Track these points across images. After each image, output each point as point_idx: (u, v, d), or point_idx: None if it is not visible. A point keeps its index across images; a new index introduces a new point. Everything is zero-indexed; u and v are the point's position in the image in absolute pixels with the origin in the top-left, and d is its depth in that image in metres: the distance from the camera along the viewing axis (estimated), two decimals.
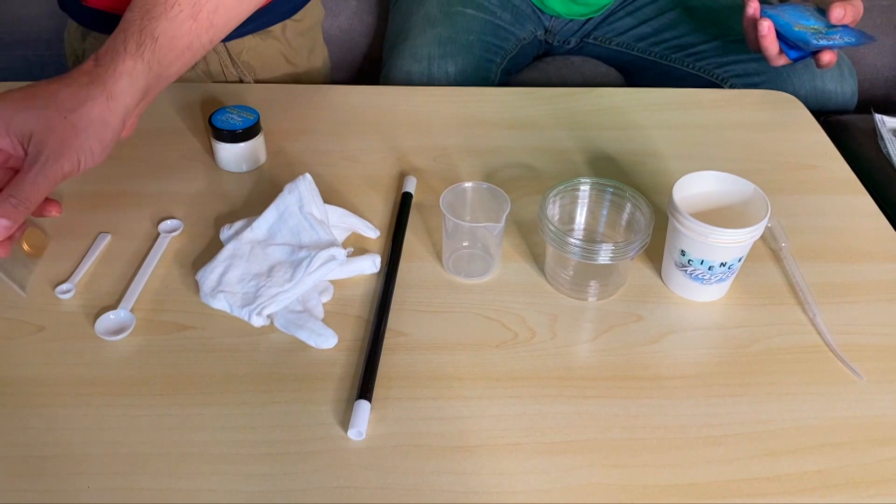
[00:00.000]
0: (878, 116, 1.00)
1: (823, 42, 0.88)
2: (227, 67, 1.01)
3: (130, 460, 0.54)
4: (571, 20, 1.21)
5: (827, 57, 0.90)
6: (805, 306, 0.68)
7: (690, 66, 1.13)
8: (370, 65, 1.37)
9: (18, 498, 0.52)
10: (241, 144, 0.79)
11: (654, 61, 1.18)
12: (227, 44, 1.00)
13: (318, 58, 1.12)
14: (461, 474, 0.54)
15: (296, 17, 1.05)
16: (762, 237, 0.72)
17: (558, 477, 0.54)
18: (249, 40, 1.02)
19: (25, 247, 0.68)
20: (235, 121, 0.79)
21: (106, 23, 0.95)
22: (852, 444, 0.57)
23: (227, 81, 1.02)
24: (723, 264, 0.64)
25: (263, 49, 1.03)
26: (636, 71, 1.23)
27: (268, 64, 1.04)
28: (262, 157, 0.82)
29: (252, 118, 0.79)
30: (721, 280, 0.66)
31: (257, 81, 1.03)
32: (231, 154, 0.80)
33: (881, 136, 0.98)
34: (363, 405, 0.57)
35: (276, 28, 1.04)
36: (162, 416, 0.57)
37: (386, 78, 1.13)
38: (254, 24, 1.01)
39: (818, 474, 0.55)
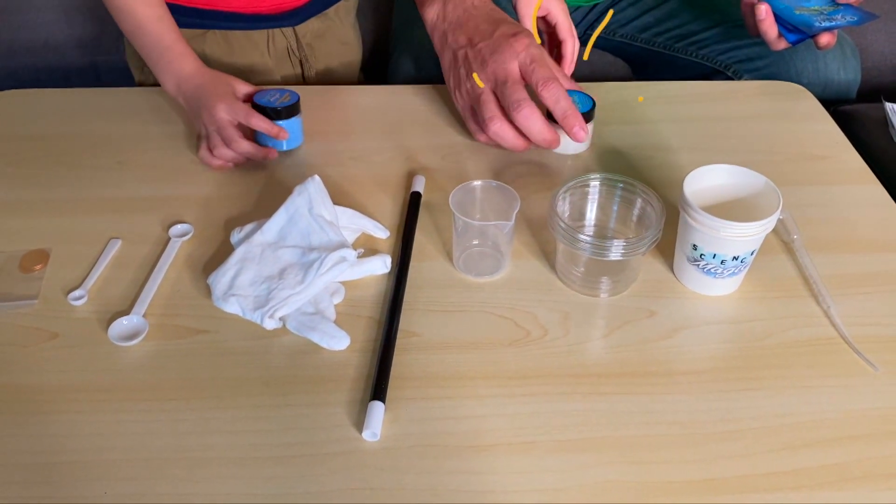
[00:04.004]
0: (888, 105, 0.99)
1: (826, 23, 0.87)
2: (294, 52, 1.04)
3: (147, 465, 0.55)
4: (576, 8, 1.21)
5: (825, 38, 0.89)
6: (819, 298, 0.67)
7: (694, 54, 1.13)
8: (375, 58, 1.37)
9: None
10: (282, 122, 0.81)
11: (658, 52, 1.18)
12: (295, 28, 1.03)
13: (357, 34, 1.15)
14: (476, 474, 0.54)
15: None
16: (774, 230, 0.72)
17: (574, 475, 0.54)
18: (312, 23, 1.04)
19: (25, 269, 0.69)
20: (277, 99, 0.81)
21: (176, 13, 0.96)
22: (870, 436, 0.57)
23: (292, 69, 1.06)
24: (735, 258, 0.64)
25: (324, 31, 1.06)
26: (641, 62, 1.23)
27: (324, 46, 1.07)
28: (301, 138, 0.84)
29: (290, 99, 0.81)
30: (734, 274, 0.66)
31: (316, 65, 1.07)
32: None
33: (892, 125, 0.97)
34: (377, 406, 0.57)
35: (331, 10, 1.07)
36: (177, 421, 0.58)
37: (395, 66, 1.13)
38: (316, 6, 1.04)
39: (837, 468, 0.55)
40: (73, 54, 1.24)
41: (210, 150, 0.80)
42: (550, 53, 0.90)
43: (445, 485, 0.54)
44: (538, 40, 0.81)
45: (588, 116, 0.79)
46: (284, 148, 0.83)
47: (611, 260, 0.64)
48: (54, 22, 1.24)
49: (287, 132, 0.81)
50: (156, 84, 1.01)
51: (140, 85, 1.04)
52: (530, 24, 0.85)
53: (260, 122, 0.80)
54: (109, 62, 1.26)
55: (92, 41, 1.25)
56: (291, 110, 0.81)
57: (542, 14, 0.87)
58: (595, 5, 1.22)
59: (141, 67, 1.02)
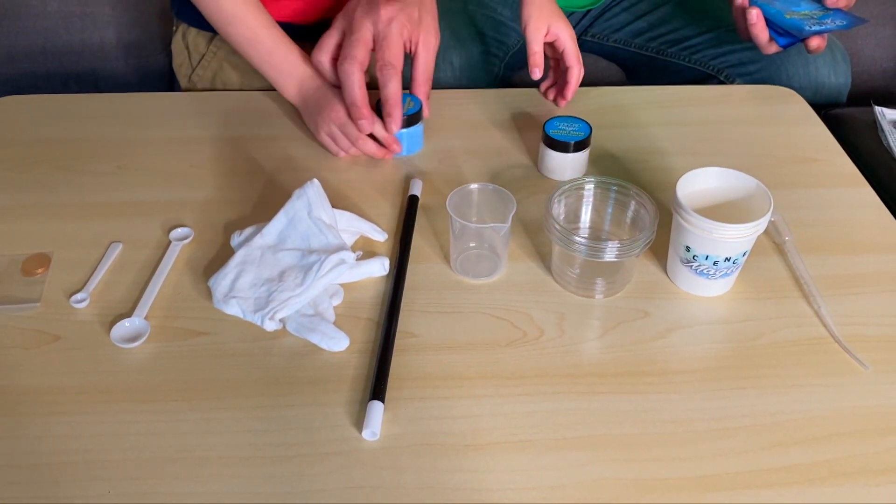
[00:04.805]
0: (877, 109, 1.00)
1: (816, 28, 0.89)
2: None
3: (149, 465, 0.55)
4: (570, 13, 1.22)
5: (815, 42, 0.91)
6: (810, 299, 0.68)
7: (686, 59, 1.14)
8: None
9: None
10: (405, 130, 0.83)
11: (651, 57, 1.19)
12: None
13: None
14: (474, 472, 0.55)
15: None
16: (766, 231, 0.73)
17: (570, 473, 0.55)
18: None
19: (27, 273, 0.70)
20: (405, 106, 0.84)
21: None
22: (860, 433, 0.58)
23: None
24: (727, 259, 0.65)
25: None
26: (634, 67, 1.24)
27: None
28: (422, 144, 0.87)
29: (413, 107, 0.84)
30: (726, 275, 0.67)
31: None
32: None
33: (881, 129, 0.98)
34: (376, 406, 0.58)
35: None
36: (178, 422, 0.58)
37: None
38: None
39: (827, 464, 0.56)
40: (71, 60, 1.25)
41: (336, 144, 0.84)
42: (555, 77, 0.93)
43: (444, 483, 0.55)
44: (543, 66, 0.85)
45: (415, 119, 0.84)
46: (405, 154, 0.85)
47: (605, 261, 0.65)
48: (52, 28, 1.24)
49: (401, 146, 0.83)
50: (202, 89, 1.01)
51: (187, 91, 1.05)
52: (539, 48, 0.87)
53: (381, 131, 0.82)
54: (108, 68, 1.26)
55: (90, 47, 1.25)
56: (415, 119, 0.84)
57: (550, 40, 0.88)
58: (589, 10, 1.23)
59: (188, 76, 1.03)
